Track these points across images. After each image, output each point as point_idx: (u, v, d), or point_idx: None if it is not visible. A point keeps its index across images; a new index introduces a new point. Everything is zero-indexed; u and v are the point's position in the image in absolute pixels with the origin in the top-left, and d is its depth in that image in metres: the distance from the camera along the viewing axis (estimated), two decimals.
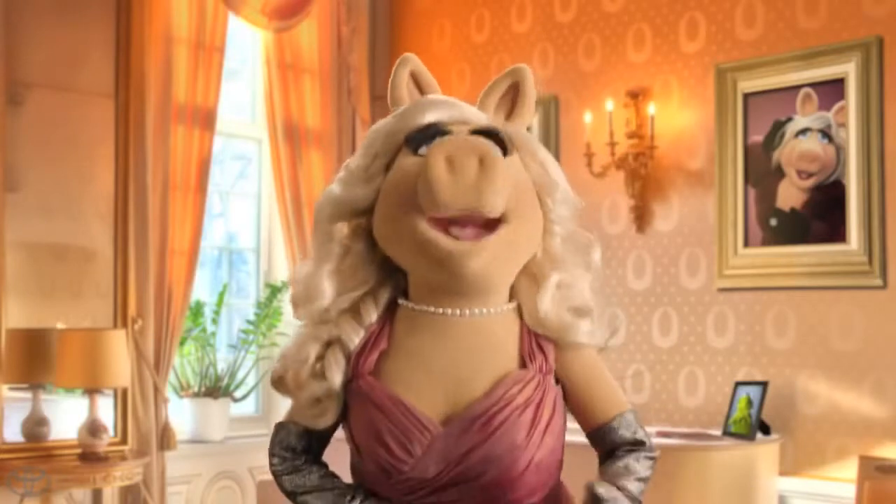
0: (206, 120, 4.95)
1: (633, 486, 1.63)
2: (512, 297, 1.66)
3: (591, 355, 1.67)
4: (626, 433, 1.66)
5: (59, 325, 4.47)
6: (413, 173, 1.55)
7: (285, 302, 5.18)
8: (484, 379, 1.57)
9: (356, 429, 1.61)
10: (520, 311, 1.65)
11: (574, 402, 1.68)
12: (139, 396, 4.67)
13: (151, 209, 4.71)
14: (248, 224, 5.66)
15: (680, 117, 4.74)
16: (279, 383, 1.65)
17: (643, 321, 4.82)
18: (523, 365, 1.60)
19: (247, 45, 5.54)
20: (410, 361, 1.60)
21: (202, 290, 5.36)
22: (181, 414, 5.08)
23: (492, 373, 1.58)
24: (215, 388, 5.14)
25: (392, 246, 1.61)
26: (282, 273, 5.53)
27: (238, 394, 5.24)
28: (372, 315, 1.65)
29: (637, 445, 1.66)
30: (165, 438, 4.72)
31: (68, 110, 4.60)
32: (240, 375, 5.25)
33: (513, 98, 1.71)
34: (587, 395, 1.67)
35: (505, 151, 1.60)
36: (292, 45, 5.37)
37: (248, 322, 5.34)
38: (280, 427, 1.70)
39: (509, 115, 1.71)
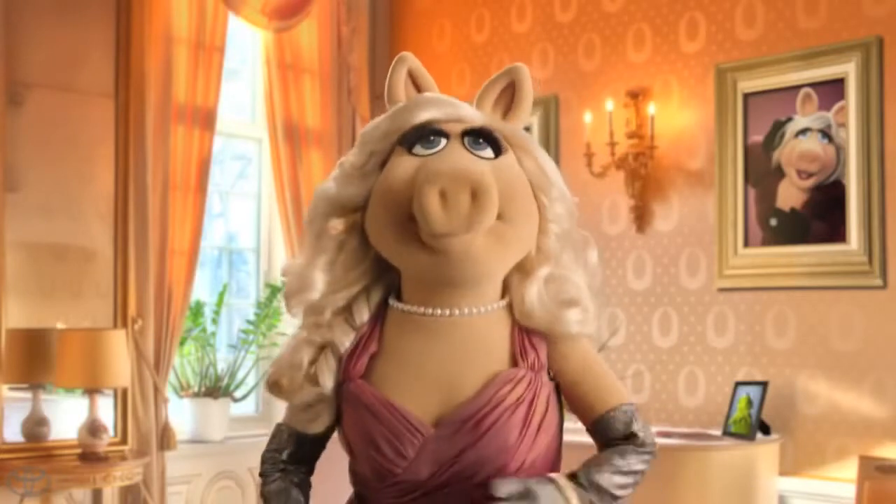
0: (206, 120, 4.95)
1: (606, 479, 1.57)
2: (504, 294, 1.65)
3: (585, 348, 1.65)
4: (619, 426, 1.62)
5: (59, 325, 4.47)
6: (406, 178, 1.56)
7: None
8: (474, 379, 1.56)
9: (349, 432, 1.61)
10: (511, 309, 1.64)
11: (571, 397, 1.65)
12: (139, 396, 4.67)
13: (151, 209, 4.71)
14: (248, 224, 5.66)
15: (680, 117, 4.74)
16: (274, 388, 1.65)
17: (643, 321, 4.81)
18: (514, 363, 1.58)
19: (247, 45, 5.54)
20: (401, 364, 1.59)
21: (202, 290, 5.36)
22: (181, 414, 5.07)
23: (482, 373, 1.57)
24: (215, 388, 5.14)
25: (383, 244, 1.61)
26: None
27: (238, 394, 5.24)
28: (364, 316, 1.65)
29: (629, 439, 1.62)
30: (165, 438, 4.72)
31: (68, 110, 4.60)
32: (240, 375, 5.25)
33: (510, 97, 1.71)
34: (583, 388, 1.64)
35: (498, 151, 1.61)
36: (292, 45, 5.37)
37: (248, 322, 5.34)
38: (275, 430, 1.72)
39: (506, 113, 1.71)
